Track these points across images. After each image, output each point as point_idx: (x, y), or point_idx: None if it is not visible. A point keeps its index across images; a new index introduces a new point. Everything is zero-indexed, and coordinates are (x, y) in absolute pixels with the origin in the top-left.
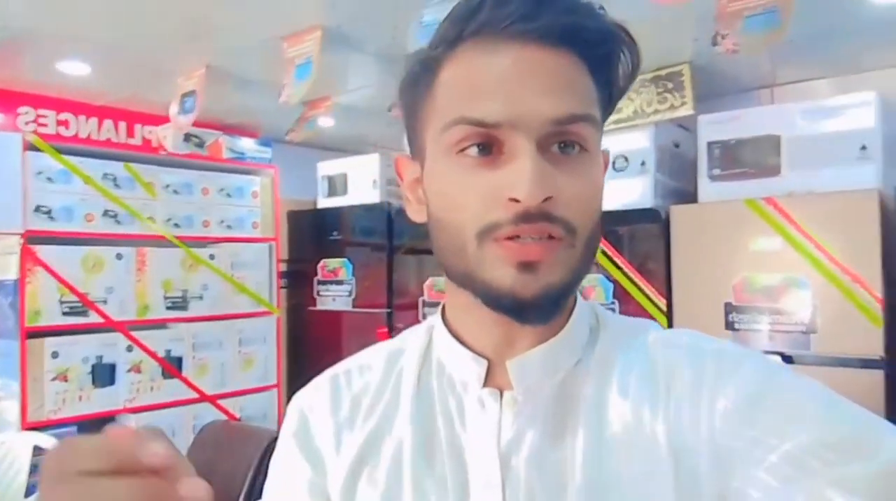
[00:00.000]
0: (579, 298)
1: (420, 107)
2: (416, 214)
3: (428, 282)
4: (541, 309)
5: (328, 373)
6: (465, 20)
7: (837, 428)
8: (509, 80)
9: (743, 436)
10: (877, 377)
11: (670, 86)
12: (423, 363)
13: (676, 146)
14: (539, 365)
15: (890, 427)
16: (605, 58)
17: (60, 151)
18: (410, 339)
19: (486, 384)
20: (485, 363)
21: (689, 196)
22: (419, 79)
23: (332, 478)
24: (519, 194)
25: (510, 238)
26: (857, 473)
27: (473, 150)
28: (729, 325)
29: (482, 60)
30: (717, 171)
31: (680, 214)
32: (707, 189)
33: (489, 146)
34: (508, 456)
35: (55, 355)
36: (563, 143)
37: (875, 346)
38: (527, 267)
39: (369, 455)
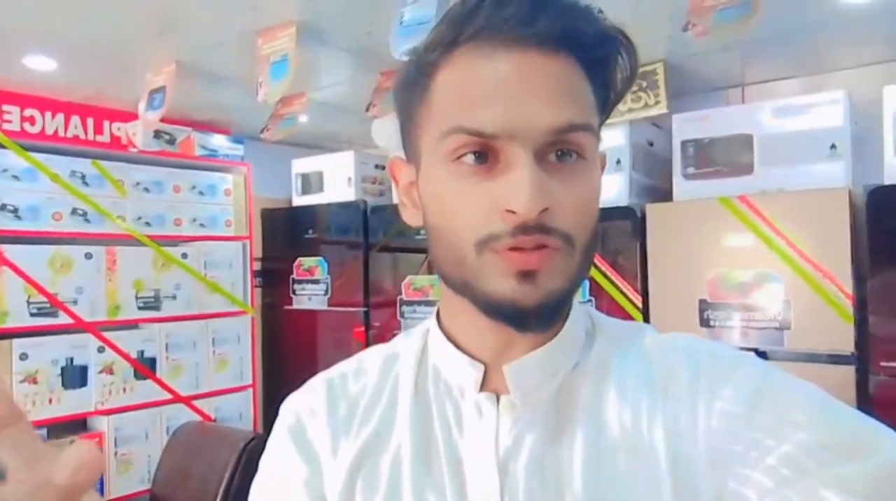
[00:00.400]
0: (574, 302)
1: (415, 111)
2: (411, 218)
3: (406, 281)
4: (541, 318)
5: (322, 377)
6: (462, 23)
7: (834, 430)
8: (507, 88)
9: (740, 438)
10: (848, 372)
11: (644, 84)
12: (418, 368)
13: (651, 144)
14: (537, 369)
15: (886, 430)
16: (603, 61)
17: (26, 148)
18: (405, 344)
19: (482, 388)
20: (482, 367)
21: (663, 194)
22: (415, 81)
23: (330, 481)
24: (516, 206)
25: (509, 249)
26: (853, 473)
27: (470, 159)
28: (704, 322)
29: (479, 66)
30: (691, 170)
31: (655, 212)
32: (681, 187)
33: (486, 154)
34: (507, 463)
35: (24, 357)
36: (561, 151)
37: (846, 342)
38: (526, 276)
39: (367, 460)
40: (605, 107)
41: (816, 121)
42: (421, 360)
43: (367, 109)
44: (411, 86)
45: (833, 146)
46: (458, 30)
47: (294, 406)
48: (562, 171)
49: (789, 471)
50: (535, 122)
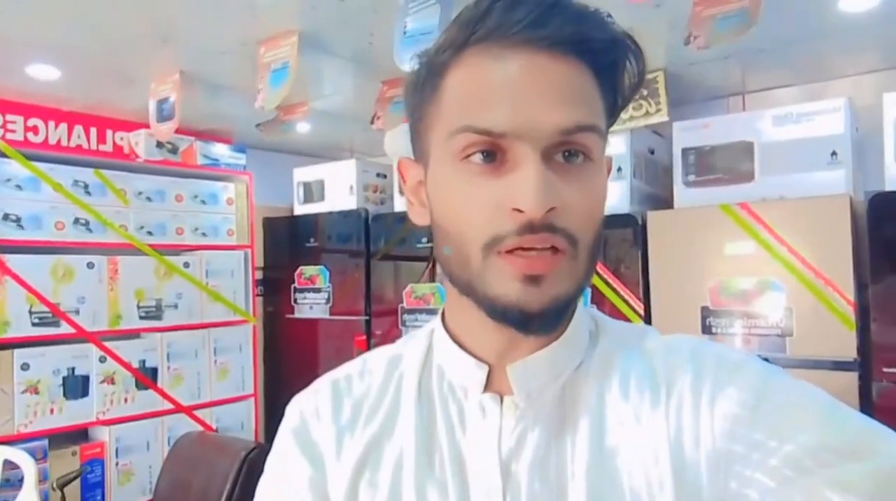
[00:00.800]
0: (579, 304)
1: (425, 111)
2: (418, 217)
3: (407, 289)
4: (546, 321)
5: (328, 378)
6: (473, 25)
7: (836, 432)
8: (516, 88)
9: (742, 439)
10: (850, 378)
11: (645, 92)
12: (423, 368)
13: (651, 152)
14: (540, 370)
15: (888, 431)
16: (611, 66)
17: (29, 158)
18: (410, 345)
19: (485, 388)
20: (486, 368)
21: (664, 202)
22: (425, 82)
23: (334, 482)
24: (523, 205)
25: (514, 250)
26: (854, 473)
27: (478, 157)
28: (706, 329)
29: (489, 67)
30: (692, 177)
31: (656, 220)
32: (682, 194)
33: (493, 153)
34: (509, 463)
35: (25, 367)
36: (568, 152)
37: (848, 348)
38: (532, 280)
39: (370, 461)
40: (613, 111)
41: (817, 128)
42: (425, 361)
43: (372, 121)
44: (422, 86)
45: (834, 153)
46: (469, 31)
47: (299, 406)
48: (569, 172)
49: (792, 472)
50: (542, 122)
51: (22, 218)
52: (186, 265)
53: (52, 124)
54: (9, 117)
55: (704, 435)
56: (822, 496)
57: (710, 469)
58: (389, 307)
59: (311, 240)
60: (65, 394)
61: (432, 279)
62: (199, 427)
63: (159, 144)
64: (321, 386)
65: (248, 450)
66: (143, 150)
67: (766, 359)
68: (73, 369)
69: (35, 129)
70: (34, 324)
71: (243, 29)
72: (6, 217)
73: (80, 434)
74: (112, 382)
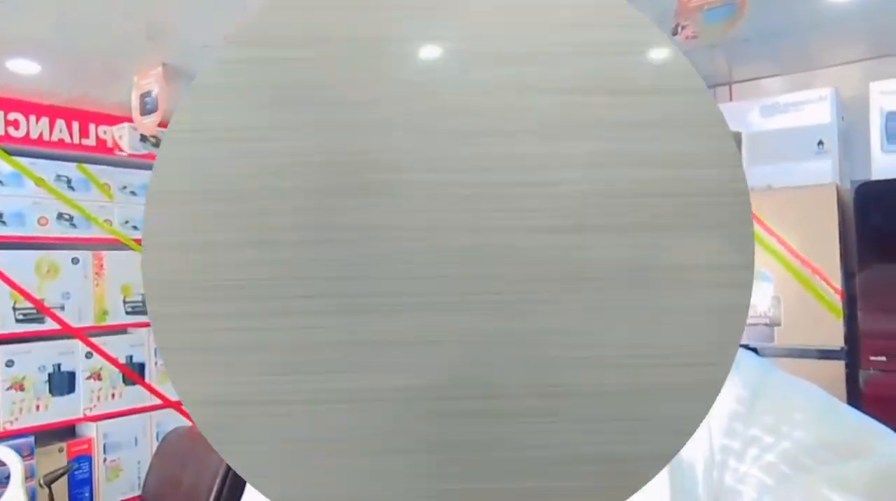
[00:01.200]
0: None
1: None
2: None
3: None
4: None
5: None
6: None
7: (834, 429)
8: None
9: (738, 435)
10: (838, 367)
11: None
12: None
13: None
14: None
15: (886, 430)
16: None
17: (10, 153)
18: None
19: None
20: None
21: None
22: None
23: None
24: None
25: None
26: (853, 471)
27: None
28: None
29: None
30: None
31: None
32: None
33: None
34: None
35: (10, 364)
36: None
37: (836, 337)
38: None
39: None
40: None
41: (804, 118)
42: None
43: None
44: None
45: (820, 143)
46: None
47: None
48: None
49: (789, 469)
50: None
51: (4, 213)
52: None
53: (33, 118)
54: None
55: (700, 432)
56: (821, 494)
57: (706, 466)
58: None
59: None
60: (51, 391)
61: None
62: (188, 423)
63: (143, 138)
64: None
65: None
66: (126, 144)
67: (754, 350)
68: (58, 365)
69: (16, 124)
70: (18, 321)
71: (229, 22)
72: None
73: (66, 431)
74: (99, 378)
